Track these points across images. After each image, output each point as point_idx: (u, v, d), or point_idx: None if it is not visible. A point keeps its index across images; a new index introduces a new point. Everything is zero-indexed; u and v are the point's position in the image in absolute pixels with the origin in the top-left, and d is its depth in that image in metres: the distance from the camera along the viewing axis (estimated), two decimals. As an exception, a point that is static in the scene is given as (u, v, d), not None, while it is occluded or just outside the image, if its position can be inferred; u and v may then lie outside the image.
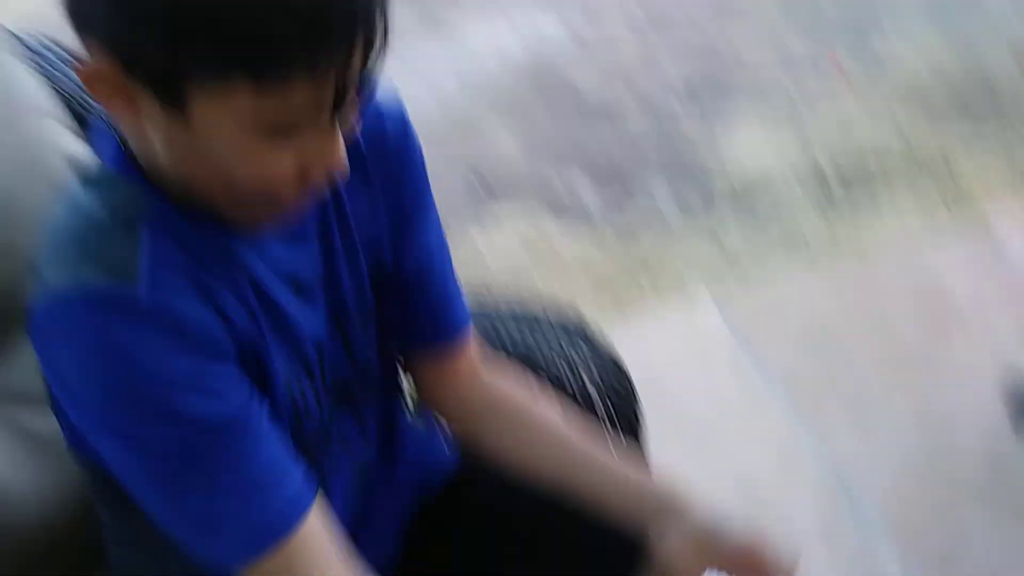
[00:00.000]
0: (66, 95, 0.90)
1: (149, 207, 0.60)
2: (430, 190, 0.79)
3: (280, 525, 0.61)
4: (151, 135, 0.58)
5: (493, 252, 2.44)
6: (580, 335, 1.01)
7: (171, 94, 0.54)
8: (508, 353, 0.98)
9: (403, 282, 0.77)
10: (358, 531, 0.73)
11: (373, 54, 0.56)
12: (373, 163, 0.73)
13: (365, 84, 0.58)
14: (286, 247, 0.68)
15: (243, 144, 0.56)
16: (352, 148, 0.64)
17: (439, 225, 0.80)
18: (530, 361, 0.96)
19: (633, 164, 2.77)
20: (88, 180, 0.62)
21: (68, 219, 0.60)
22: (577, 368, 0.95)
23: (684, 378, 1.86)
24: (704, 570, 0.66)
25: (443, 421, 0.88)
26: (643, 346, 1.91)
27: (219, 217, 0.62)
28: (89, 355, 0.56)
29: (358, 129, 0.66)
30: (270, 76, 0.52)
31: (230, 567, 0.62)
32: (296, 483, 0.64)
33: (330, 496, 0.70)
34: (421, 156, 0.77)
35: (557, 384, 0.95)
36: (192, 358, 0.58)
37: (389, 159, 0.74)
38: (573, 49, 3.70)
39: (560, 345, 0.98)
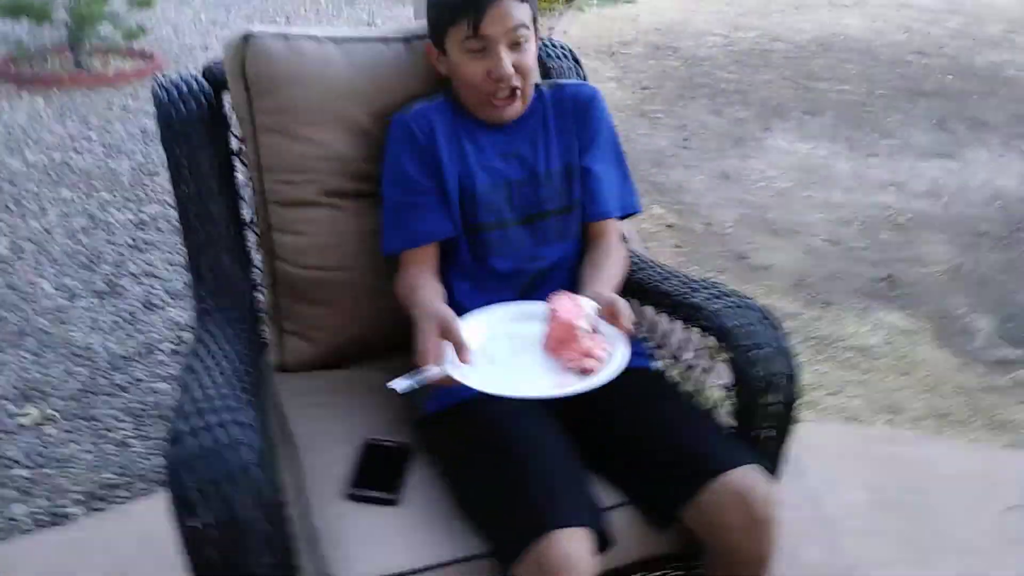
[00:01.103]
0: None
1: (444, 100, 1.35)
2: (612, 136, 1.43)
3: (412, 241, 1.31)
4: (451, 74, 1.32)
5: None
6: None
7: (443, 47, 1.31)
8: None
9: (582, 177, 1.39)
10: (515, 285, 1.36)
11: (510, 13, 1.23)
12: (572, 111, 1.40)
13: (518, 37, 1.25)
14: (505, 135, 1.36)
15: (461, 60, 1.28)
16: (558, 101, 1.39)
17: (614, 157, 1.43)
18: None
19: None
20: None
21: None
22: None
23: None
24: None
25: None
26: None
27: (476, 113, 1.33)
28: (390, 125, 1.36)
29: (545, 86, 1.41)
30: (454, 23, 1.25)
31: (385, 250, 1.35)
32: (429, 229, 1.31)
33: (498, 256, 1.35)
34: (607, 115, 1.42)
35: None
36: (411, 145, 1.32)
37: (579, 111, 1.40)
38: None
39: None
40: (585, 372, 1.12)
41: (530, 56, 1.30)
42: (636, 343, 1.40)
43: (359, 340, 1.46)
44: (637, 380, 1.24)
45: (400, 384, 1.05)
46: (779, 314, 2.78)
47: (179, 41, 5.89)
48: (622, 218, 1.46)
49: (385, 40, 1.41)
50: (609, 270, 1.36)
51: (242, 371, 1.18)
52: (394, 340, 1.34)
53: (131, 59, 5.26)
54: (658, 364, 1.42)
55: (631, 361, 1.20)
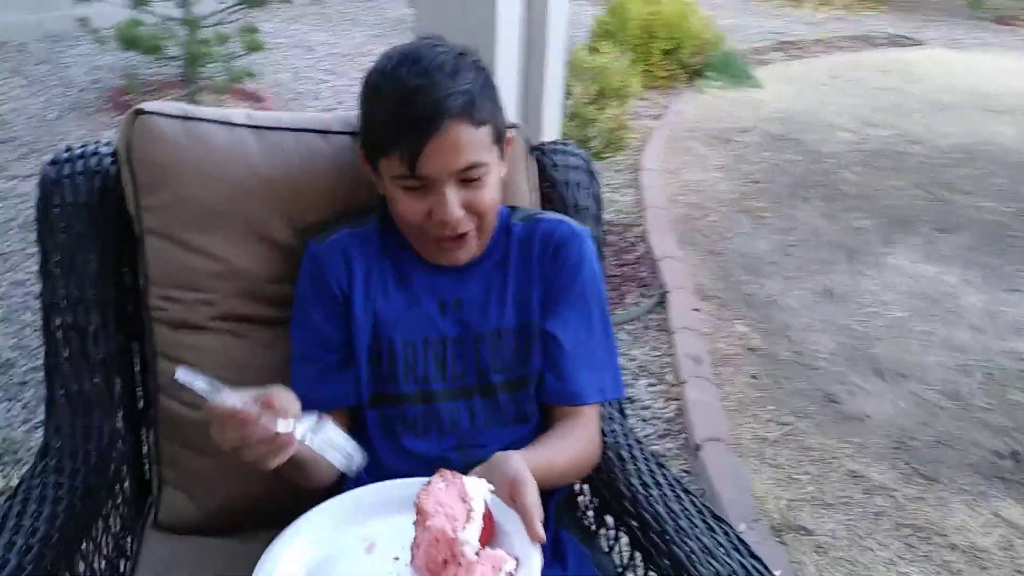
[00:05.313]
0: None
1: (376, 226, 1.05)
2: (589, 292, 1.07)
3: (310, 404, 0.88)
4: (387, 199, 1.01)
5: (970, 531, 2.05)
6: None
7: (376, 169, 0.99)
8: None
9: (543, 342, 1.04)
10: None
11: (457, 148, 0.92)
12: (539, 254, 1.05)
13: (471, 175, 0.94)
14: (449, 277, 1.04)
15: (396, 195, 0.97)
16: (524, 242, 1.05)
17: (587, 321, 1.06)
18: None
19: None
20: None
21: None
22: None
23: None
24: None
25: None
26: None
27: (417, 251, 1.02)
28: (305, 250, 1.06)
29: (514, 228, 1.07)
30: (385, 154, 0.94)
31: None
32: (327, 396, 0.99)
33: (417, 438, 1.02)
34: (587, 265, 1.07)
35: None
36: (318, 285, 1.02)
37: (551, 255, 1.05)
38: None
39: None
40: None
41: (489, 191, 0.97)
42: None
43: (251, 504, 1.13)
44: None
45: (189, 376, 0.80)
46: (866, 486, 2.29)
47: (294, 87, 5.92)
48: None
49: (325, 132, 1.11)
50: (551, 444, 0.99)
51: (52, 538, 0.88)
52: (297, 508, 1.00)
53: (243, 100, 5.28)
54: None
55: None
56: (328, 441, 0.83)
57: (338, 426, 0.84)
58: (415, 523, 0.80)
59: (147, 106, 1.05)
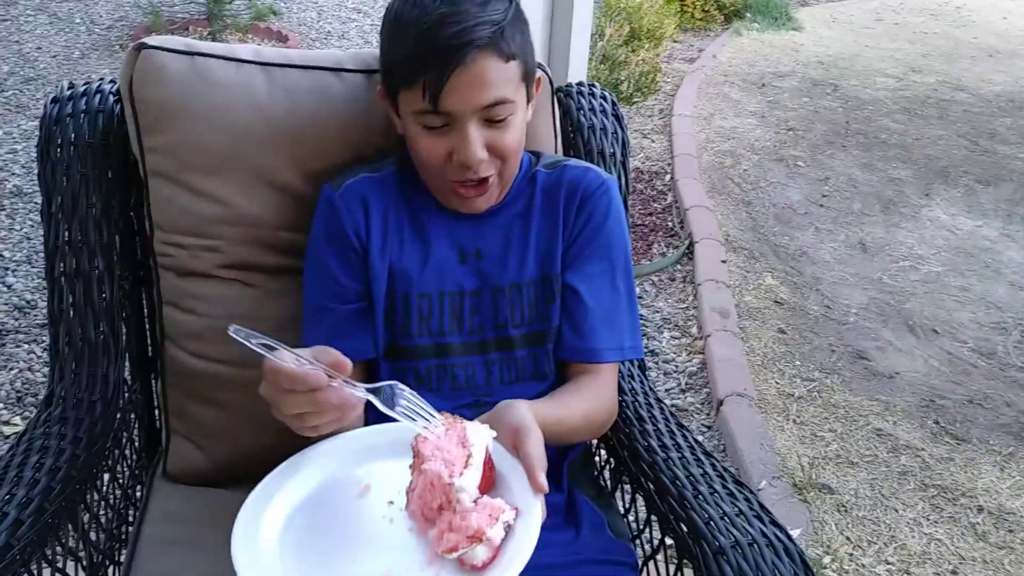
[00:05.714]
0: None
1: (394, 171, 1.00)
2: (615, 246, 1.01)
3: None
4: (406, 139, 0.95)
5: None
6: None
7: (396, 105, 0.93)
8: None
9: (564, 296, 0.99)
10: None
11: (483, 82, 0.86)
12: (564, 205, 1.00)
13: (496, 114, 0.88)
14: (468, 224, 0.99)
15: (416, 132, 0.91)
16: (549, 191, 1.00)
17: (611, 276, 1.00)
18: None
19: None
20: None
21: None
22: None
23: None
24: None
25: None
26: None
27: (436, 196, 0.98)
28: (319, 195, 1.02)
29: (535, 172, 1.02)
30: (408, 86, 0.88)
31: None
32: (344, 347, 0.83)
33: (430, 393, 0.96)
34: (614, 218, 1.01)
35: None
36: (334, 232, 0.97)
37: (577, 206, 1.00)
38: None
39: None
40: (471, 568, 0.72)
41: (514, 133, 0.92)
42: (616, 546, 0.97)
43: (260, 455, 1.09)
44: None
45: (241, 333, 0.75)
46: (892, 445, 2.24)
47: (319, 26, 5.80)
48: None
49: (338, 69, 1.05)
50: (562, 399, 0.95)
51: (53, 490, 0.86)
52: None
53: (266, 38, 5.20)
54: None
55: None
56: (407, 407, 0.79)
57: (409, 390, 0.80)
58: (411, 467, 0.77)
59: (151, 40, 0.99)
